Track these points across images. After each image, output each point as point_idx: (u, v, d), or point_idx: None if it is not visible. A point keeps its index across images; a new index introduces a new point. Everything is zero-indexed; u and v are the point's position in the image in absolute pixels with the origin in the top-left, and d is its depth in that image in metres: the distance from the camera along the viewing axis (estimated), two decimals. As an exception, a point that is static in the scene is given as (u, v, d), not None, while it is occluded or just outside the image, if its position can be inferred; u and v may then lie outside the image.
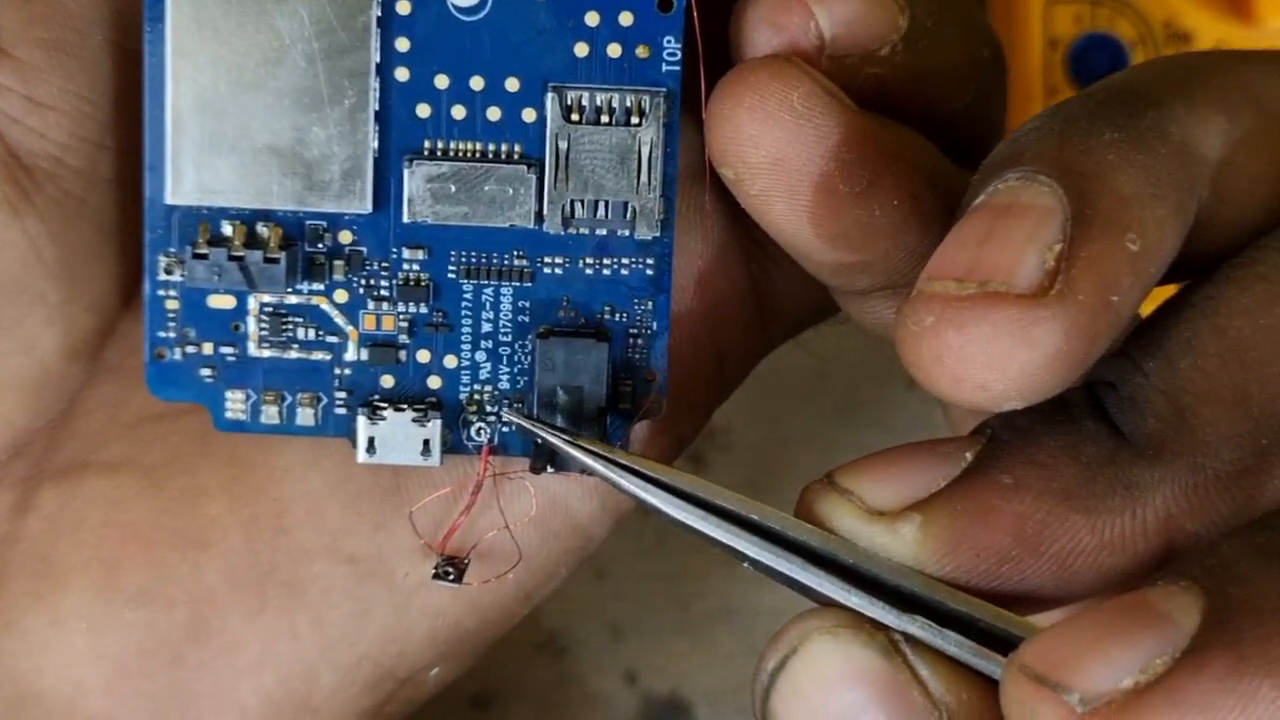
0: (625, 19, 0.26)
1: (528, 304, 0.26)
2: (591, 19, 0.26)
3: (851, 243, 0.25)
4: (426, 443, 0.26)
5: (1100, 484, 0.22)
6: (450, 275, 0.26)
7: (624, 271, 0.26)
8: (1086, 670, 0.20)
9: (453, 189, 0.26)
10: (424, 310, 0.27)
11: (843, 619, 0.22)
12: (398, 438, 0.26)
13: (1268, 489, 0.22)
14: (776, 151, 0.25)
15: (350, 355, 0.27)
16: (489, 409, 0.27)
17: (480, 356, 0.27)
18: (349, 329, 0.27)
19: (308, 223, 0.26)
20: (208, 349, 0.27)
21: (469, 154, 0.26)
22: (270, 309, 0.27)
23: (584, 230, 0.26)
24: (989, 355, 0.21)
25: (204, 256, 0.26)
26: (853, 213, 0.25)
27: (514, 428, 0.27)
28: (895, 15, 0.26)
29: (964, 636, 0.22)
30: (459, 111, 0.26)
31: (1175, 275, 0.24)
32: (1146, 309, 0.24)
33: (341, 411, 0.27)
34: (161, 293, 0.26)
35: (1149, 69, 0.24)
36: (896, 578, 0.23)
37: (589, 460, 0.25)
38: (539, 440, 0.26)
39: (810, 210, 0.25)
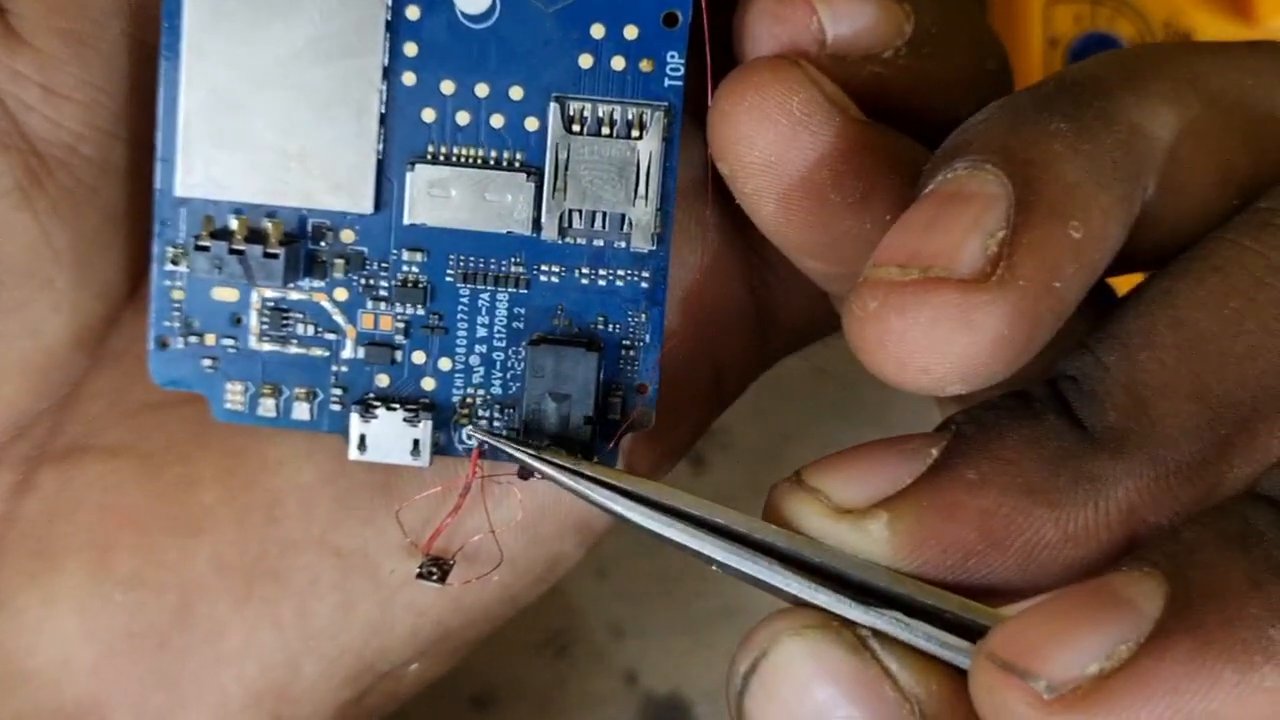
0: (630, 32, 0.26)
1: (523, 310, 0.27)
2: (597, 31, 0.26)
3: (841, 252, 0.25)
4: (416, 443, 0.27)
5: (1063, 478, 0.22)
6: (448, 278, 0.27)
7: (619, 283, 0.27)
8: (1053, 657, 0.20)
9: (453, 193, 0.26)
10: (421, 312, 0.27)
11: (810, 618, 0.23)
12: (389, 436, 0.27)
13: (1227, 479, 0.22)
14: (770, 154, 0.25)
15: (347, 353, 0.27)
16: (480, 413, 0.27)
17: (474, 360, 0.27)
18: (347, 327, 0.27)
19: (311, 220, 0.27)
20: (210, 340, 0.27)
21: (471, 159, 0.26)
22: (272, 304, 0.27)
23: (580, 240, 0.26)
24: (930, 339, 0.21)
25: (206, 248, 0.26)
26: (844, 223, 0.25)
27: (505, 432, 0.27)
28: (900, 21, 0.25)
29: (932, 628, 0.22)
30: (463, 117, 0.26)
31: (1131, 267, 0.24)
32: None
33: (336, 408, 0.27)
34: (168, 283, 0.27)
35: (1100, 61, 0.24)
36: (863, 574, 0.23)
37: (552, 472, 0.25)
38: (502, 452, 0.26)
39: (800, 216, 0.25)
